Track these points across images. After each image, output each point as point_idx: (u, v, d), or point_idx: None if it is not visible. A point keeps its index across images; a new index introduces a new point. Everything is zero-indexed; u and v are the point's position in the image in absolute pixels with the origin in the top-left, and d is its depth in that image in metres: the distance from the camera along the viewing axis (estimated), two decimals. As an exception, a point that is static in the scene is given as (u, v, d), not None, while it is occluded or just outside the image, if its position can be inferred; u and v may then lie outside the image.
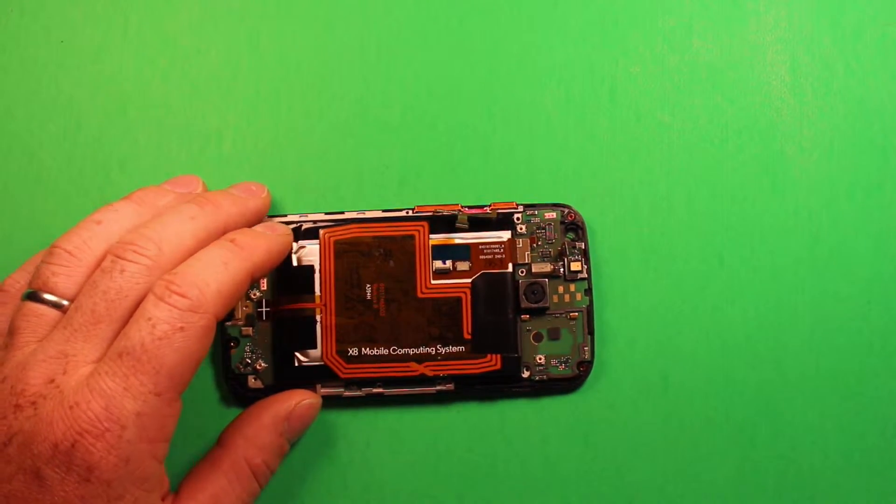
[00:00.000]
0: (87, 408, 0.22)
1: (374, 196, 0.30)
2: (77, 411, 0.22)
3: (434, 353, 0.28)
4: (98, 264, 0.24)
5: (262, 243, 0.26)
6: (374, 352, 0.28)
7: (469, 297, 0.29)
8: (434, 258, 0.29)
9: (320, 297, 0.29)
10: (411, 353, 0.28)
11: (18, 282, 0.26)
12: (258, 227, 0.27)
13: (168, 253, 0.24)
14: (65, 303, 0.24)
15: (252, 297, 0.29)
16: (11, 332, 0.23)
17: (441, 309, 0.29)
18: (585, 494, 0.29)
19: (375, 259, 0.29)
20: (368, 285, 0.29)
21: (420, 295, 0.29)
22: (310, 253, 0.29)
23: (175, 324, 0.22)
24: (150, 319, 0.22)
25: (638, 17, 0.31)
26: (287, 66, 0.31)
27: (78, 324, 0.23)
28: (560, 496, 0.29)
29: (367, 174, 0.31)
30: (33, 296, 0.24)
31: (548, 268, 0.29)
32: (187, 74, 0.31)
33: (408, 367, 0.28)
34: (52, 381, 0.22)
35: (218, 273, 0.24)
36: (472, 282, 0.29)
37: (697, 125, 0.31)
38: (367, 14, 0.31)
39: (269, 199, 0.29)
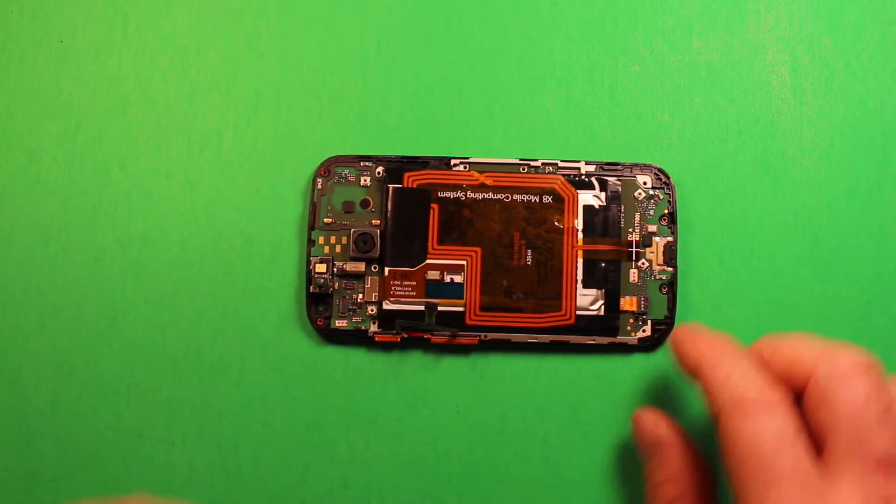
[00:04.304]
0: None
1: (374, 196, 0.30)
2: None
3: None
4: None
5: None
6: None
7: None
8: None
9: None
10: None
11: None
12: None
13: None
14: None
15: None
16: None
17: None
18: (586, 495, 0.29)
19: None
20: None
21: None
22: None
23: None
24: None
25: (638, 16, 0.31)
26: (287, 66, 0.31)
27: None
28: (561, 497, 0.29)
29: (367, 174, 0.30)
30: None
31: None
32: (187, 74, 0.31)
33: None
34: None
35: None
36: None
37: (697, 125, 0.31)
38: (367, 14, 0.31)
39: None
